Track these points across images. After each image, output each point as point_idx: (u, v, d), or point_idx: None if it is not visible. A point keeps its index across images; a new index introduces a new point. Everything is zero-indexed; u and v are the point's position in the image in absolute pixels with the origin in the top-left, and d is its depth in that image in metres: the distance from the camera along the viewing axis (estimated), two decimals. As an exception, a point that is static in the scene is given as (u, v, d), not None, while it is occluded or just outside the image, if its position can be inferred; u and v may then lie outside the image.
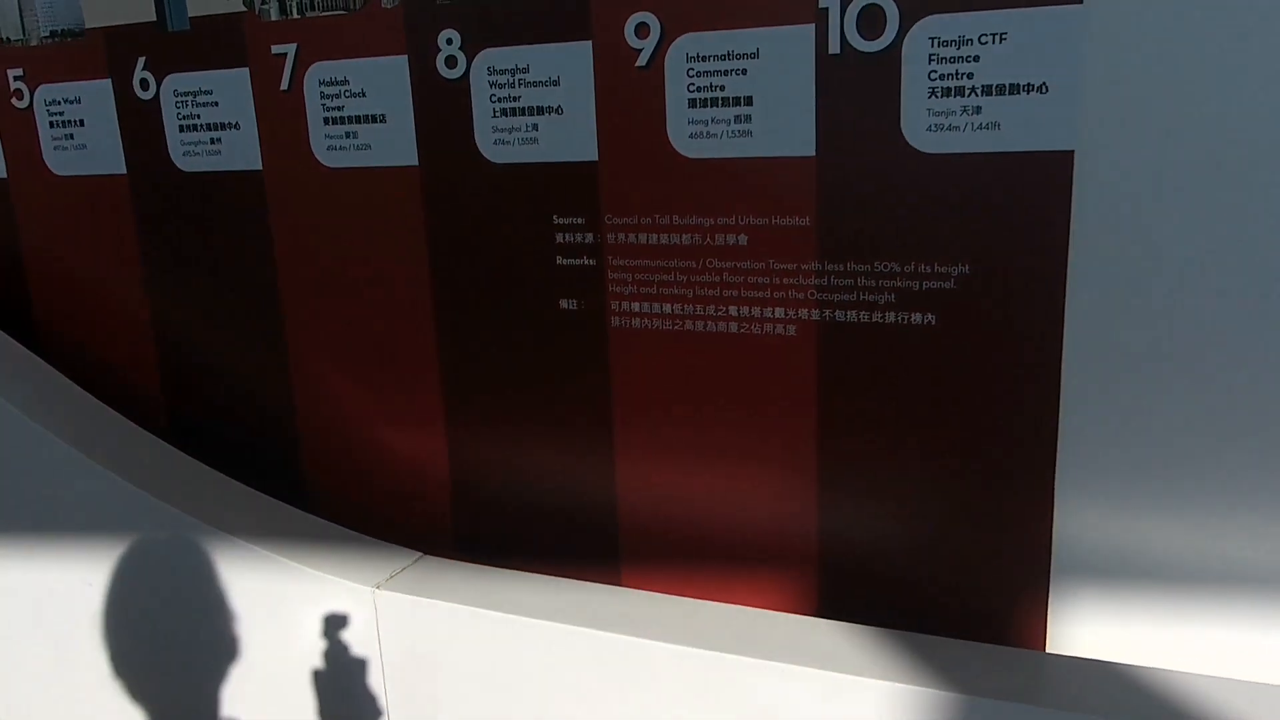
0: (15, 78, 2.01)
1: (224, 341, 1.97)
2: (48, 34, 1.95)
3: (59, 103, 1.99)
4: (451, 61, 1.64)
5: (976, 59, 1.33)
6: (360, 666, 1.67)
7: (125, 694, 1.90)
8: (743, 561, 1.63)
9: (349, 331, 1.85)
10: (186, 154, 1.90)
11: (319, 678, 1.71)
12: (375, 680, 1.66)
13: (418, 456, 1.84)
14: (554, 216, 1.63)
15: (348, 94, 1.73)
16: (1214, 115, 1.24)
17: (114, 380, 2.09)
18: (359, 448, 1.89)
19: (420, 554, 1.76)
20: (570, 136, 1.58)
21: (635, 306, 1.60)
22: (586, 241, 1.61)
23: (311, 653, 1.70)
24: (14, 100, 2.03)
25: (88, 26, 1.91)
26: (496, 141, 1.64)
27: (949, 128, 1.36)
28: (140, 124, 1.92)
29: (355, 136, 1.74)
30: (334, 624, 1.67)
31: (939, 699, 1.28)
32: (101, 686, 1.92)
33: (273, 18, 1.75)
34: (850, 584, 1.56)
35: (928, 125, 1.37)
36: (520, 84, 1.60)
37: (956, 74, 1.34)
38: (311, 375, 1.91)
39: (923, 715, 1.30)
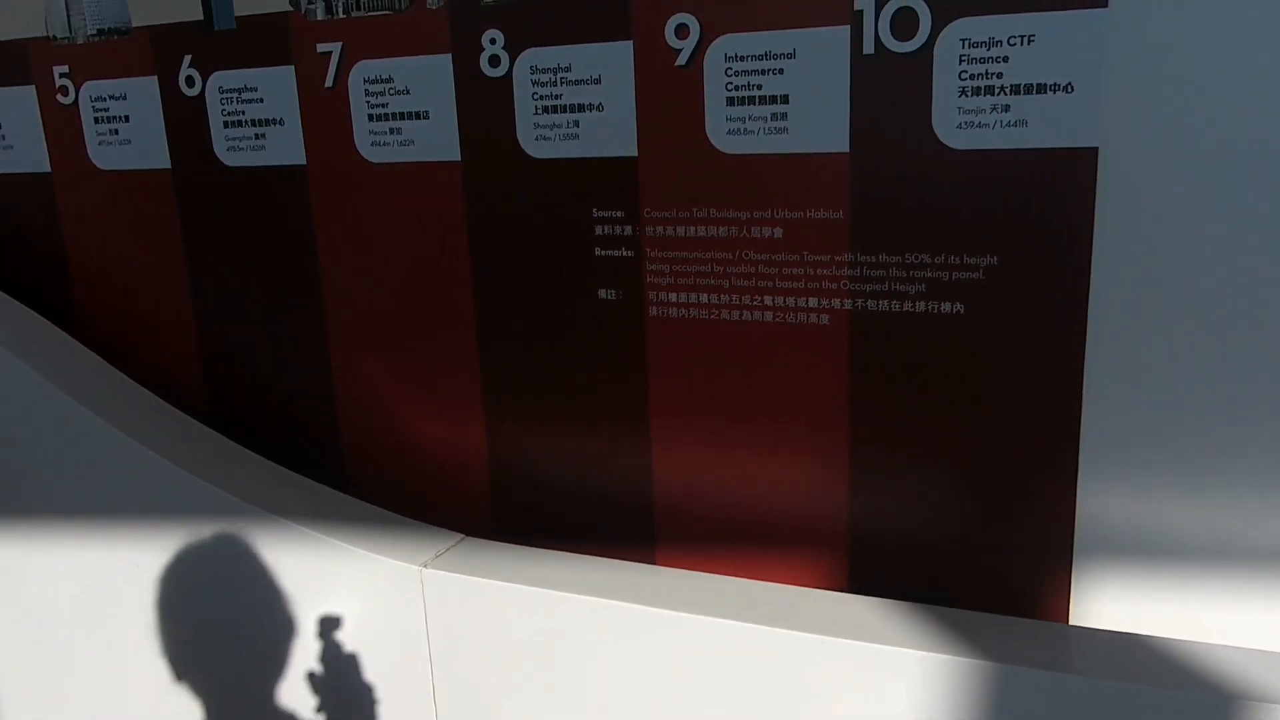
0: (61, 75, 2.07)
1: (266, 332, 2.03)
2: (94, 32, 2.01)
3: (104, 99, 2.05)
4: (495, 60, 1.70)
5: (1006, 59, 1.40)
6: (406, 643, 1.73)
7: (174, 674, 1.96)
8: (775, 542, 1.69)
9: (390, 321, 1.91)
10: (231, 149, 1.96)
11: (367, 655, 1.77)
12: (421, 656, 1.72)
13: (457, 443, 1.90)
14: (594, 210, 1.69)
15: (392, 91, 1.79)
16: (1233, 113, 1.31)
17: (156, 370, 2.14)
18: (399, 435, 1.96)
19: (462, 535, 1.83)
20: (611, 133, 1.65)
21: (672, 296, 1.67)
22: (625, 234, 1.68)
23: (359, 630, 1.76)
24: (59, 96, 2.09)
25: (134, 25, 1.97)
26: (538, 137, 1.70)
27: (979, 125, 1.43)
28: (185, 120, 1.98)
29: (399, 132, 1.80)
30: (380, 602, 1.73)
31: (968, 667, 1.35)
32: (150, 667, 1.99)
33: (318, 17, 1.81)
34: (879, 563, 1.63)
35: (958, 123, 1.44)
36: (562, 82, 1.66)
37: (986, 74, 1.41)
38: (352, 365, 1.97)
39: (952, 683, 1.36)
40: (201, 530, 1.87)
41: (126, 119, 2.04)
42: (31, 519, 2.03)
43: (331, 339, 1.97)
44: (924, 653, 1.37)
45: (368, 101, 1.81)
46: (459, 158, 1.77)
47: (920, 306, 1.51)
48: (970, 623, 1.46)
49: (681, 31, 1.56)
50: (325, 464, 2.03)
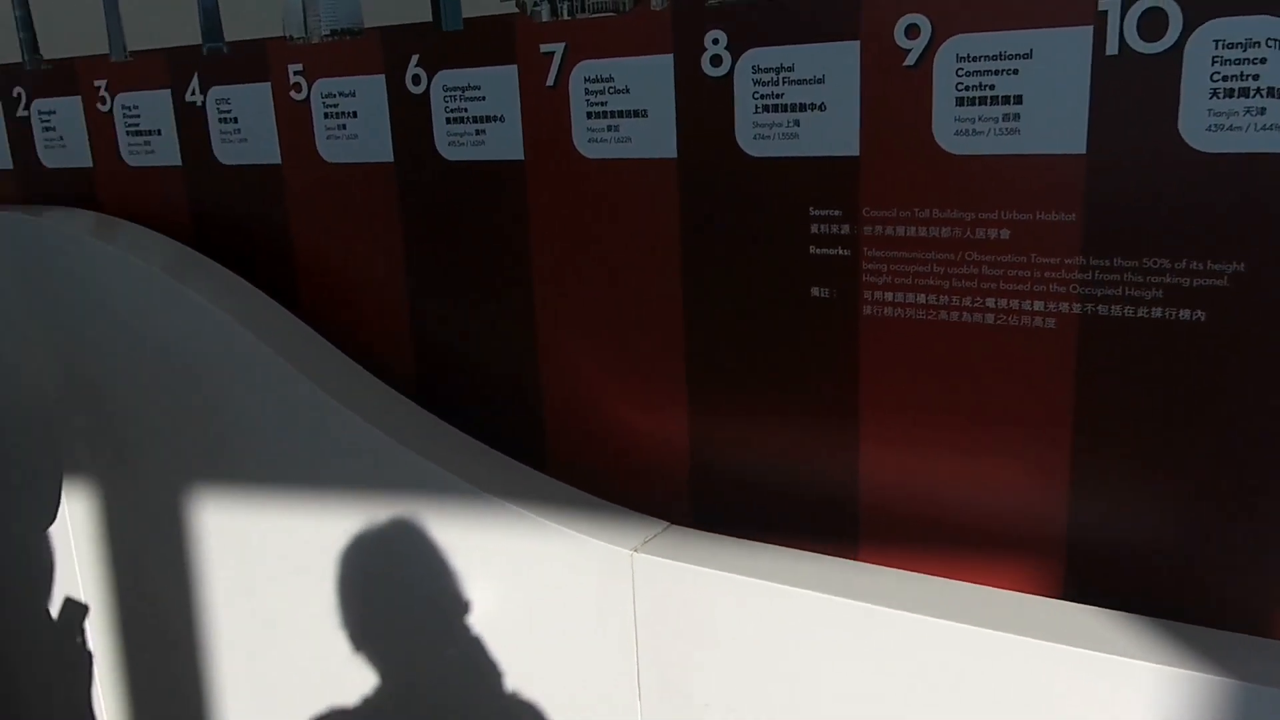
0: (295, 72, 2.21)
1: (477, 318, 2.13)
2: (328, 32, 2.14)
3: (334, 96, 2.17)
4: (716, 60, 1.74)
5: (1263, 61, 1.35)
6: (613, 626, 1.79)
7: (375, 643, 2.08)
8: (985, 547, 1.68)
9: (598, 311, 1.97)
10: (452, 144, 2.05)
11: (572, 635, 1.84)
12: (628, 639, 1.78)
13: (659, 433, 1.96)
14: (810, 208, 1.71)
15: (612, 90, 1.85)
16: None
17: (370, 352, 2.27)
18: (602, 423, 2.02)
19: (667, 523, 1.88)
20: (832, 132, 1.66)
21: (889, 296, 1.67)
22: (842, 233, 1.69)
23: (566, 611, 1.83)
24: (293, 93, 2.23)
25: (366, 26, 2.09)
26: (756, 136, 1.73)
27: (1230, 128, 1.38)
28: (409, 116, 2.09)
29: (617, 130, 1.86)
30: (589, 584, 1.80)
31: (1208, 684, 1.32)
32: (355, 633, 2.11)
33: (544, 19, 1.88)
34: (1099, 573, 1.60)
35: (1207, 125, 1.40)
36: (784, 82, 1.69)
37: (1241, 75, 1.37)
38: (560, 353, 2.04)
39: (1190, 699, 1.33)
40: (416, 504, 1.97)
41: (354, 114, 2.16)
42: (256, 487, 2.18)
43: (540, 327, 2.05)
44: (1159, 665, 1.35)
45: (587, 100, 1.88)
46: (675, 155, 1.82)
47: (1156, 313, 1.48)
48: (1203, 638, 1.42)
49: (912, 32, 1.57)
50: (528, 448, 2.11)
